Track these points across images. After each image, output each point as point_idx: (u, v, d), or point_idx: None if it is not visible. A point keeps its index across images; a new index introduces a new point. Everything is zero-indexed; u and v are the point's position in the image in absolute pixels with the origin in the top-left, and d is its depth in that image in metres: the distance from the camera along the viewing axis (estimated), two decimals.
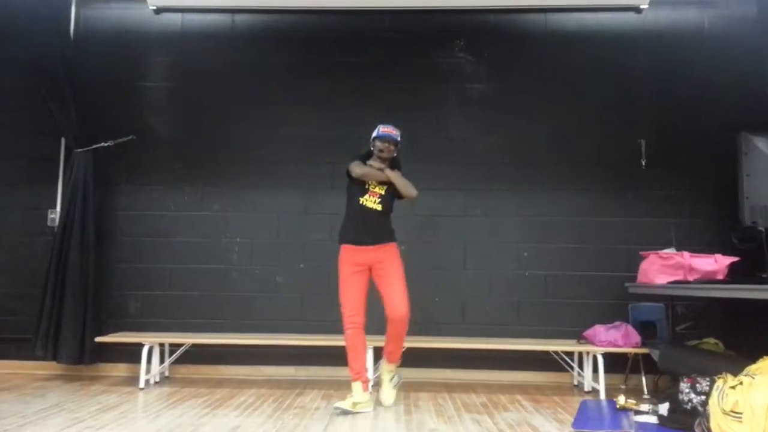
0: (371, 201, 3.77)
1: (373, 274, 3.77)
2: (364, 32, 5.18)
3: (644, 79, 5.03)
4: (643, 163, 4.91)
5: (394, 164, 3.88)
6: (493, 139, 5.03)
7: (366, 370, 3.74)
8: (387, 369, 3.89)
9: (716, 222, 4.80)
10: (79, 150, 4.82)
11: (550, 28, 5.14)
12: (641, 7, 5.05)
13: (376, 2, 5.07)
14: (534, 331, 4.74)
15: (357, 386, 3.65)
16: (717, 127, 4.85)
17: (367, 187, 3.80)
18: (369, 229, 3.75)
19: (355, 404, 3.57)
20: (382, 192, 3.81)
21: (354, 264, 3.74)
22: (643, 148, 4.92)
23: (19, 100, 5.07)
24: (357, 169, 3.76)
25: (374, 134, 3.84)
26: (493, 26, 5.17)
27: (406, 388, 4.29)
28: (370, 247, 3.74)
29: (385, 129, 3.81)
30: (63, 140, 5.03)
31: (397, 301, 3.67)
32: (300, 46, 5.16)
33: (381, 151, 3.78)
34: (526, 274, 4.85)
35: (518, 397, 4.14)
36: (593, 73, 5.05)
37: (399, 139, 3.83)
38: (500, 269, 4.86)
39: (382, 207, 3.78)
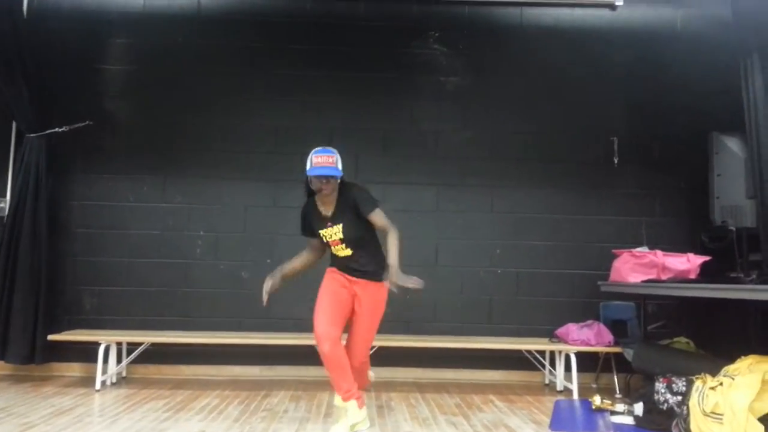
0: (338, 250, 3.21)
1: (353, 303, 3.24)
2: (338, 19, 5.02)
3: (618, 77, 5.01)
4: (615, 161, 4.90)
5: (346, 200, 3.15)
6: (468, 134, 4.94)
7: (355, 384, 3.14)
8: (341, 404, 3.16)
9: (686, 221, 4.83)
10: (32, 135, 4.53)
11: (526, 22, 5.07)
12: (616, 4, 5.04)
13: None
14: (506, 330, 4.68)
15: (352, 405, 3.10)
16: (688, 126, 4.86)
17: (324, 234, 3.21)
18: (351, 268, 3.22)
19: (353, 426, 3.10)
20: (339, 234, 3.16)
21: (340, 280, 3.23)
22: (615, 146, 4.90)
23: None
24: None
25: (307, 168, 3.11)
26: (468, 19, 5.07)
27: (377, 389, 4.17)
28: (354, 279, 3.21)
29: (317, 160, 3.08)
30: (14, 124, 4.72)
31: (356, 350, 3.22)
32: (270, 31, 4.95)
33: (319, 190, 3.12)
34: (499, 271, 4.78)
35: (491, 397, 4.07)
36: (568, 69, 5.00)
37: (339, 168, 3.10)
38: (473, 266, 4.78)
39: (352, 249, 3.18)
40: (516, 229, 4.82)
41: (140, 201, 4.78)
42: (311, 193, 3.24)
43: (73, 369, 4.58)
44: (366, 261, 3.20)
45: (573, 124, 4.94)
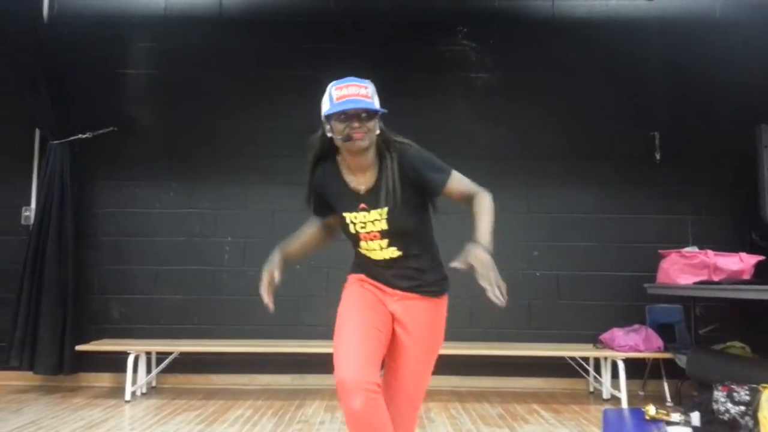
0: (374, 248, 2.01)
1: (394, 329, 2.04)
2: (362, 17, 4.88)
3: (656, 69, 4.81)
4: (657, 156, 4.68)
5: (395, 167, 1.96)
6: (501, 132, 4.77)
7: None
8: None
9: (735, 218, 4.60)
10: (55, 142, 4.45)
11: (558, 14, 4.88)
12: None
13: None
14: (546, 335, 4.49)
15: None
16: (733, 118, 4.65)
17: (352, 221, 2.01)
18: (396, 277, 2.04)
19: None
20: (378, 220, 1.97)
21: (373, 293, 2.06)
22: (656, 142, 4.68)
23: None
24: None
25: (327, 108, 1.95)
26: (497, 13, 4.90)
27: None
28: (399, 293, 2.04)
29: (341, 92, 1.93)
30: (38, 132, 4.64)
31: (401, 403, 2.04)
32: (294, 31, 4.82)
33: (347, 138, 1.91)
34: (537, 274, 4.59)
35: (535, 406, 3.88)
36: (604, 62, 4.81)
37: (376, 105, 1.96)
38: (509, 269, 4.56)
39: (402, 247, 2.00)
40: (554, 230, 4.63)
41: (166, 207, 4.67)
42: (323, 158, 2.07)
43: (103, 379, 4.49)
44: (423, 266, 2.04)
45: (611, 120, 4.74)
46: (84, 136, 4.55)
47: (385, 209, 1.96)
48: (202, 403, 3.91)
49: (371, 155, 1.99)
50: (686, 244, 4.40)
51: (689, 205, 4.64)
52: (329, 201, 2.07)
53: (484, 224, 1.92)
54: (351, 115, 1.90)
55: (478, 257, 1.80)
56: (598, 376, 4.24)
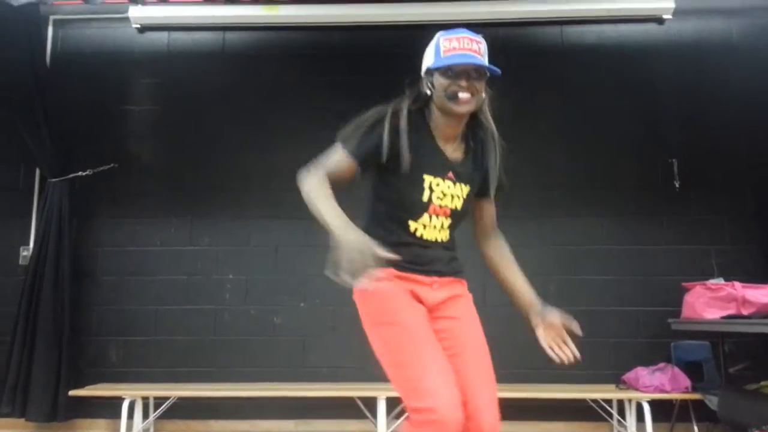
0: (434, 226, 1.85)
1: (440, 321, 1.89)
2: (366, 48, 4.78)
3: (671, 94, 4.63)
4: (677, 184, 4.46)
5: (484, 144, 1.92)
6: (510, 161, 4.56)
7: None
8: None
9: (761, 247, 4.35)
10: (54, 180, 4.36)
11: (567, 41, 4.76)
12: (664, 17, 4.69)
13: (379, 17, 4.69)
14: (565, 376, 4.19)
15: None
16: (754, 143, 4.45)
17: (432, 186, 1.82)
18: (429, 263, 1.90)
19: None
20: (460, 201, 1.87)
21: (408, 293, 1.84)
22: (675, 169, 4.48)
23: None
24: (311, 184, 1.81)
25: (431, 61, 1.81)
26: (504, 40, 4.77)
27: None
28: (436, 279, 1.88)
29: (451, 45, 1.77)
30: (37, 170, 4.56)
31: (484, 402, 1.80)
32: (297, 66, 4.74)
33: (453, 98, 1.76)
34: None
35: None
36: (616, 88, 4.64)
37: (484, 59, 1.79)
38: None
39: (450, 234, 1.92)
40: (570, 264, 4.40)
41: (167, 245, 4.53)
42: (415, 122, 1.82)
43: (99, 426, 4.29)
44: (455, 254, 1.97)
45: (626, 147, 4.55)
46: (84, 173, 4.46)
47: (468, 187, 1.84)
48: None
49: (461, 126, 1.81)
50: (711, 276, 4.15)
51: (712, 234, 4.39)
52: (401, 155, 1.74)
53: (525, 281, 1.91)
54: (459, 72, 1.73)
55: (557, 321, 1.79)
56: (622, 420, 3.95)
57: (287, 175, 4.51)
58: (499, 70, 1.78)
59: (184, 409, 4.19)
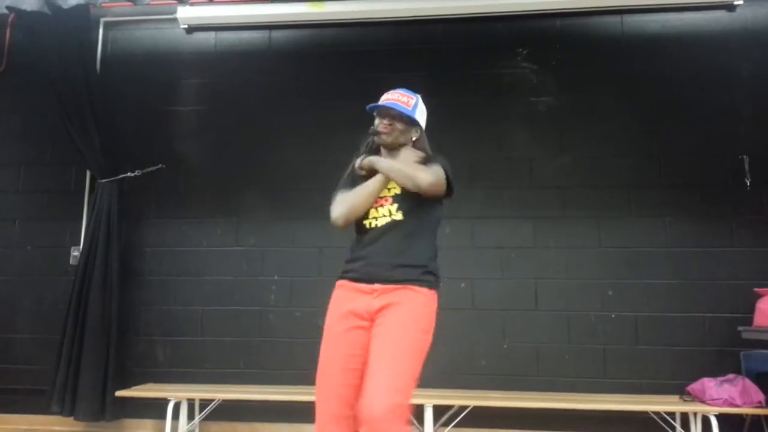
0: (383, 214, 2.24)
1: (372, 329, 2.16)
2: (415, 44, 4.64)
3: (742, 86, 4.31)
4: (748, 183, 4.15)
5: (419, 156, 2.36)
6: (566, 159, 4.37)
7: None
8: None
9: None
10: (104, 180, 4.39)
11: (628, 31, 4.49)
12: (735, 3, 4.37)
13: (427, 11, 4.54)
14: (624, 385, 3.98)
15: None
16: None
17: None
18: (381, 255, 2.21)
19: None
20: (398, 188, 2.27)
21: (348, 315, 2.18)
22: (746, 166, 4.16)
23: (43, 129, 4.70)
24: (338, 207, 2.30)
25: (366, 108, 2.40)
26: (560, 32, 4.56)
27: None
28: (377, 287, 2.17)
29: (386, 95, 2.37)
30: (88, 172, 4.62)
31: (373, 389, 1.96)
32: (344, 63, 4.65)
33: (376, 133, 2.32)
34: (612, 316, 4.10)
35: None
36: (681, 81, 4.35)
37: (410, 110, 2.30)
38: (580, 310, 4.14)
39: (404, 214, 2.22)
40: (630, 267, 4.14)
41: (213, 245, 4.51)
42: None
43: (146, 426, 4.30)
44: (407, 241, 2.23)
45: (692, 143, 4.26)
46: (132, 174, 4.49)
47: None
48: None
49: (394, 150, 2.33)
50: None
51: None
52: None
53: None
54: (382, 113, 2.32)
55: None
56: None
57: (333, 175, 4.48)
58: (410, 114, 2.32)
59: (230, 410, 4.15)
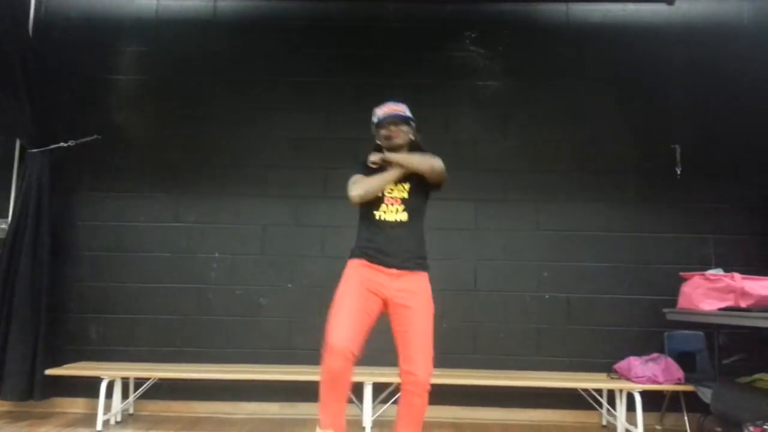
0: (392, 211, 2.71)
1: (390, 312, 2.67)
2: (364, 22, 4.61)
3: (677, 78, 4.48)
4: (678, 171, 4.34)
5: (412, 150, 2.85)
6: (509, 143, 4.45)
7: (344, 418, 2.63)
8: None
9: (763, 238, 4.24)
10: (34, 150, 4.19)
11: (573, 19, 4.59)
12: None
13: None
14: (556, 363, 4.14)
15: None
16: (761, 131, 4.32)
17: (381, 194, 2.74)
18: (393, 249, 2.68)
19: None
20: (405, 193, 2.74)
21: (366, 281, 2.66)
22: (677, 155, 4.35)
23: None
24: (357, 188, 2.68)
25: (374, 121, 2.85)
26: (508, 17, 4.61)
27: None
28: (393, 271, 2.67)
29: (385, 109, 2.83)
30: (18, 141, 4.40)
31: (419, 362, 2.56)
32: (291, 37, 4.57)
33: (387, 138, 2.77)
34: (547, 296, 4.25)
35: None
36: (621, 71, 4.49)
37: (409, 114, 2.85)
38: (517, 291, 4.26)
39: (409, 215, 2.70)
40: (565, 249, 4.29)
41: (151, 221, 4.39)
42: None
43: (77, 405, 4.19)
44: (413, 238, 2.73)
45: (628, 131, 4.42)
46: (66, 144, 4.31)
47: (408, 184, 2.76)
48: None
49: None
50: (709, 266, 4.06)
51: (712, 223, 4.28)
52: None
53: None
54: (389, 122, 2.79)
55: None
56: (612, 409, 3.87)
57: (277, 151, 4.45)
58: (410, 116, 2.86)
59: (166, 389, 4.11)
